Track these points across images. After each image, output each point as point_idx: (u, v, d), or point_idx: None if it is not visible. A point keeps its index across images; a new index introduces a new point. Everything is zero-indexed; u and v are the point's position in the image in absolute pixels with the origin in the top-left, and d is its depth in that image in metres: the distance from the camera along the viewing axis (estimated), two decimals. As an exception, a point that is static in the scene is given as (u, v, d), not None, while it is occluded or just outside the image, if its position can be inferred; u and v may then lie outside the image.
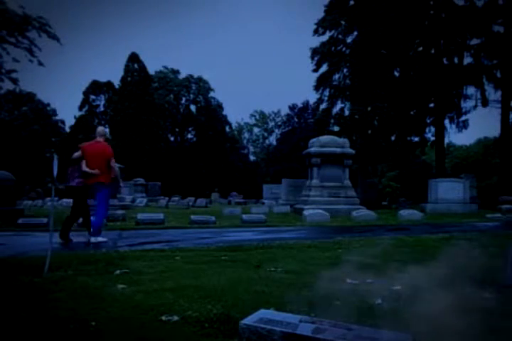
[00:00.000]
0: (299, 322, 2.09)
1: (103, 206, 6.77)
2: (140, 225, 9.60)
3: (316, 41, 29.69)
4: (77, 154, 6.81)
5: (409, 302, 2.91)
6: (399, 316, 2.56)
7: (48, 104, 48.08)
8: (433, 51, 23.40)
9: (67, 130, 46.88)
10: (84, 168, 6.57)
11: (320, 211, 11.53)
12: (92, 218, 6.85)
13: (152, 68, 44.79)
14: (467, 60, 23.09)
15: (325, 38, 25.15)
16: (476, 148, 40.24)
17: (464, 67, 22.69)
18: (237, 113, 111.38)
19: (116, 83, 42.40)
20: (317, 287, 3.31)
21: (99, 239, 6.67)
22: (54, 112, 48.56)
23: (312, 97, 62.53)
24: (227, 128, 50.25)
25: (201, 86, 48.38)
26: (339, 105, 26.38)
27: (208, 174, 42.40)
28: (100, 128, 7.09)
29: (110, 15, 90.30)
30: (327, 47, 24.86)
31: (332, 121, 26.66)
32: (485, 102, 22.65)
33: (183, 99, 49.31)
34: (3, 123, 41.79)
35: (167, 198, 23.83)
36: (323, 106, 27.17)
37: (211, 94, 49.06)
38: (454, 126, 24.05)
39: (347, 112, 25.55)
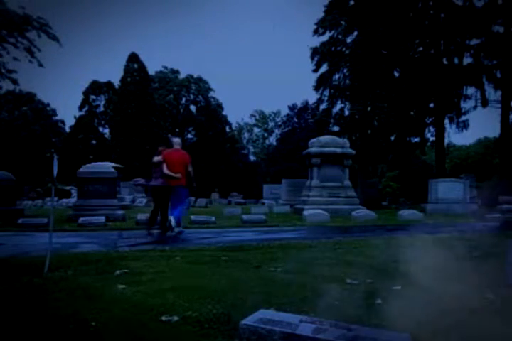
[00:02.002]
0: (299, 322, 2.09)
1: (183, 203, 7.89)
2: (140, 225, 9.59)
3: (316, 41, 29.77)
4: (157, 158, 7.87)
5: (408, 302, 2.91)
6: (399, 317, 2.56)
7: (48, 104, 48.12)
8: (433, 51, 23.38)
9: (67, 130, 46.90)
10: (167, 171, 7.60)
11: (320, 211, 11.51)
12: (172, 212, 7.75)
13: (152, 68, 44.85)
14: (467, 60, 23.07)
15: (325, 38, 25.16)
16: (476, 148, 40.25)
17: (464, 67, 22.66)
18: (237, 113, 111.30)
19: (116, 83, 42.38)
20: (317, 287, 3.31)
21: (177, 229, 7.64)
22: (54, 112, 48.58)
23: (312, 97, 62.66)
24: (227, 129, 50.20)
25: (201, 86, 48.34)
26: (339, 105, 26.36)
27: (208, 174, 42.38)
28: (177, 139, 8.15)
29: (110, 15, 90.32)
30: (327, 47, 24.84)
31: (332, 121, 26.64)
32: (485, 102, 22.61)
33: (183, 99, 49.28)
34: (3, 123, 41.79)
35: (167, 198, 23.76)
36: (323, 106, 27.14)
37: (211, 94, 49.04)
38: (454, 126, 24.02)
39: (347, 112, 25.53)
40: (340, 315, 2.58)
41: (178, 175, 7.59)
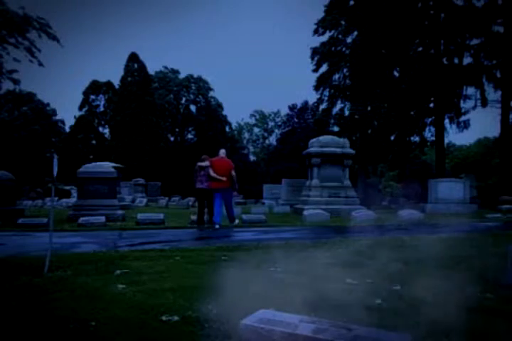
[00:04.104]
0: (299, 322, 2.08)
1: (231, 202, 9.57)
2: (140, 225, 9.60)
3: (316, 41, 29.72)
4: (205, 164, 9.33)
5: (407, 302, 2.91)
6: (395, 316, 2.56)
7: (48, 104, 48.09)
8: (433, 51, 23.38)
9: (67, 130, 46.90)
10: (213, 174, 9.13)
11: (320, 211, 11.51)
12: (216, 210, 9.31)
13: (152, 68, 44.77)
14: (467, 60, 23.08)
15: (325, 38, 25.19)
16: (476, 148, 40.27)
17: (463, 67, 22.67)
18: (237, 113, 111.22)
19: (116, 83, 42.36)
20: (317, 287, 3.31)
21: (217, 226, 9.19)
22: (54, 112, 48.55)
23: (312, 97, 62.55)
24: (227, 128, 50.17)
25: (201, 86, 48.32)
26: (339, 105, 26.39)
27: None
28: (223, 150, 9.87)
29: (110, 15, 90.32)
30: (327, 47, 24.86)
31: (332, 121, 26.66)
32: (485, 102, 22.62)
33: (183, 99, 49.24)
34: (3, 123, 41.78)
35: (167, 198, 23.81)
36: (323, 106, 27.17)
37: (211, 94, 49.02)
38: (454, 126, 24.04)
39: (347, 112, 25.55)
40: (341, 315, 2.58)
41: (224, 178, 9.12)
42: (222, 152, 9.77)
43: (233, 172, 9.41)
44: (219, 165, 9.33)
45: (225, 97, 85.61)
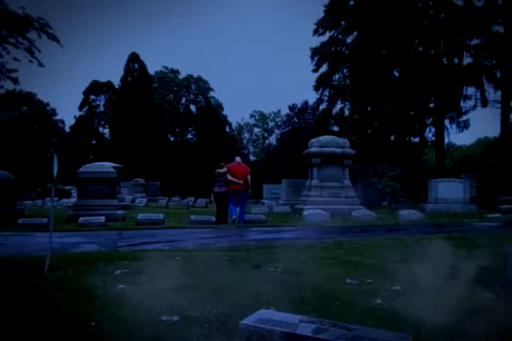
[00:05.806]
0: (299, 322, 2.08)
1: (244, 203, 10.46)
2: (140, 225, 9.60)
3: (316, 41, 29.71)
4: (223, 170, 10.19)
5: (405, 303, 2.91)
6: (394, 318, 2.56)
7: (48, 104, 48.09)
8: (433, 51, 23.39)
9: (67, 130, 46.88)
10: (232, 178, 10.06)
11: (320, 211, 11.50)
12: (238, 210, 10.18)
13: (152, 68, 44.74)
14: (467, 60, 23.10)
15: (325, 38, 25.22)
16: (476, 148, 40.20)
17: (463, 67, 22.67)
18: (237, 113, 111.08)
19: (116, 83, 42.38)
20: (317, 287, 3.31)
21: (234, 217, 10.08)
22: (54, 112, 48.55)
23: (312, 97, 62.41)
24: (227, 128, 50.16)
25: (201, 86, 48.31)
26: (339, 105, 26.43)
27: (208, 174, 42.30)
28: (238, 157, 11.07)
29: (110, 15, 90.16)
30: (327, 48, 24.89)
31: (332, 121, 26.67)
32: (485, 102, 22.63)
33: (183, 99, 49.23)
34: (3, 123, 41.77)
35: (167, 198, 23.78)
36: (323, 106, 27.20)
37: (211, 94, 49.02)
38: (454, 126, 24.05)
39: (347, 112, 25.57)
40: (340, 315, 2.58)
41: (241, 181, 10.06)
42: (238, 158, 10.90)
43: (249, 177, 10.31)
44: (236, 170, 10.27)
45: (225, 97, 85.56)
